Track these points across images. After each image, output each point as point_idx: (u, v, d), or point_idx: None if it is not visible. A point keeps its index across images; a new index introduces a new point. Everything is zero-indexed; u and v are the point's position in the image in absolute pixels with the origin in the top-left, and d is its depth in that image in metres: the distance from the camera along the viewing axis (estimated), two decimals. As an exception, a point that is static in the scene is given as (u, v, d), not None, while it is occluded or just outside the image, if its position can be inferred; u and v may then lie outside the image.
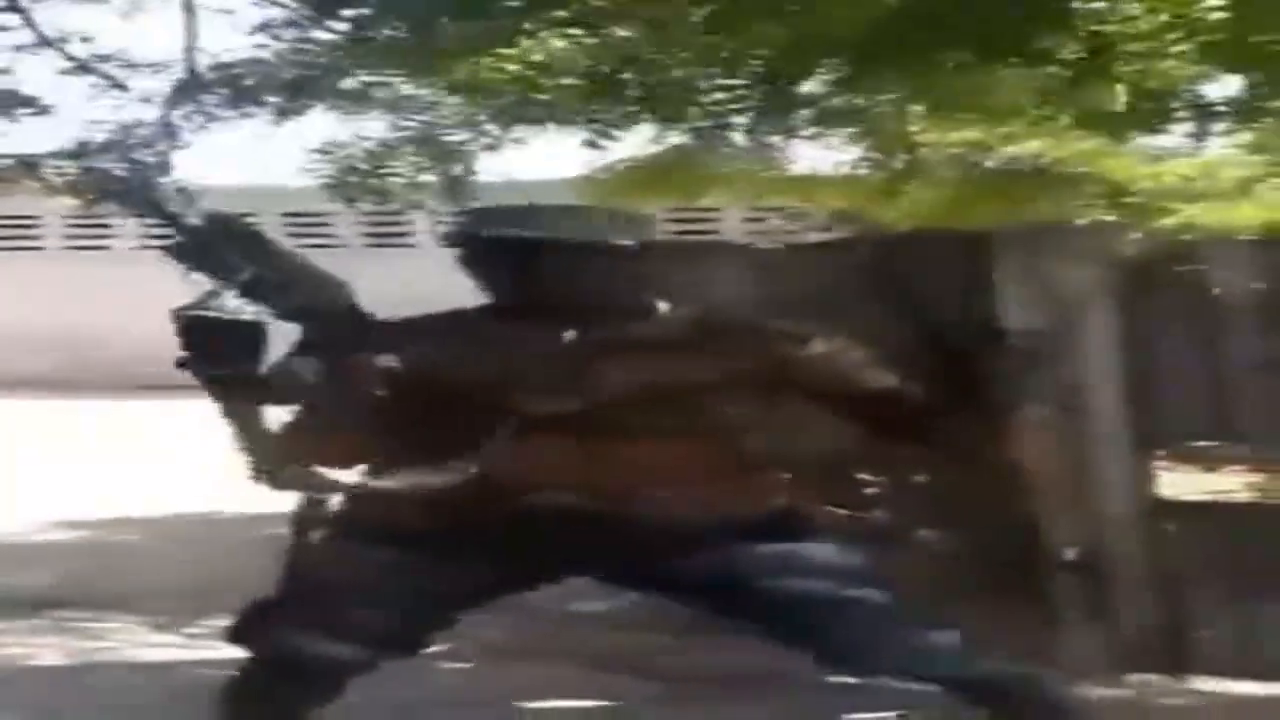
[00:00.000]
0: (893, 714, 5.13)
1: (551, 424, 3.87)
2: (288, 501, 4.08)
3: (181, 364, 3.89)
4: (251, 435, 3.89)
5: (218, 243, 3.95)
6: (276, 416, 3.91)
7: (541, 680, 5.73)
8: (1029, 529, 5.61)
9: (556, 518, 3.88)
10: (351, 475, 3.97)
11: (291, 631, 3.95)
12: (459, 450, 3.85)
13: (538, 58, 5.75)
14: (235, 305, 3.87)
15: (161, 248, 3.98)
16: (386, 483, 3.91)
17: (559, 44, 5.80)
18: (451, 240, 4.14)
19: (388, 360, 3.92)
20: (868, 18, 5.59)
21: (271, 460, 3.88)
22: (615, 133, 6.23)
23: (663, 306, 4.11)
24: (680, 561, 3.97)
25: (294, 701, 4.03)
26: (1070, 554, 5.63)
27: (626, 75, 6.05)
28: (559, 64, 5.78)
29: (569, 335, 3.97)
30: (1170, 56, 5.61)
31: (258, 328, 3.86)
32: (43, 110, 8.31)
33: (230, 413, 3.89)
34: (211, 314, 3.86)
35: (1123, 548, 5.68)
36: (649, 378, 3.95)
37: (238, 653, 4.05)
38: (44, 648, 6.53)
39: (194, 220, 3.99)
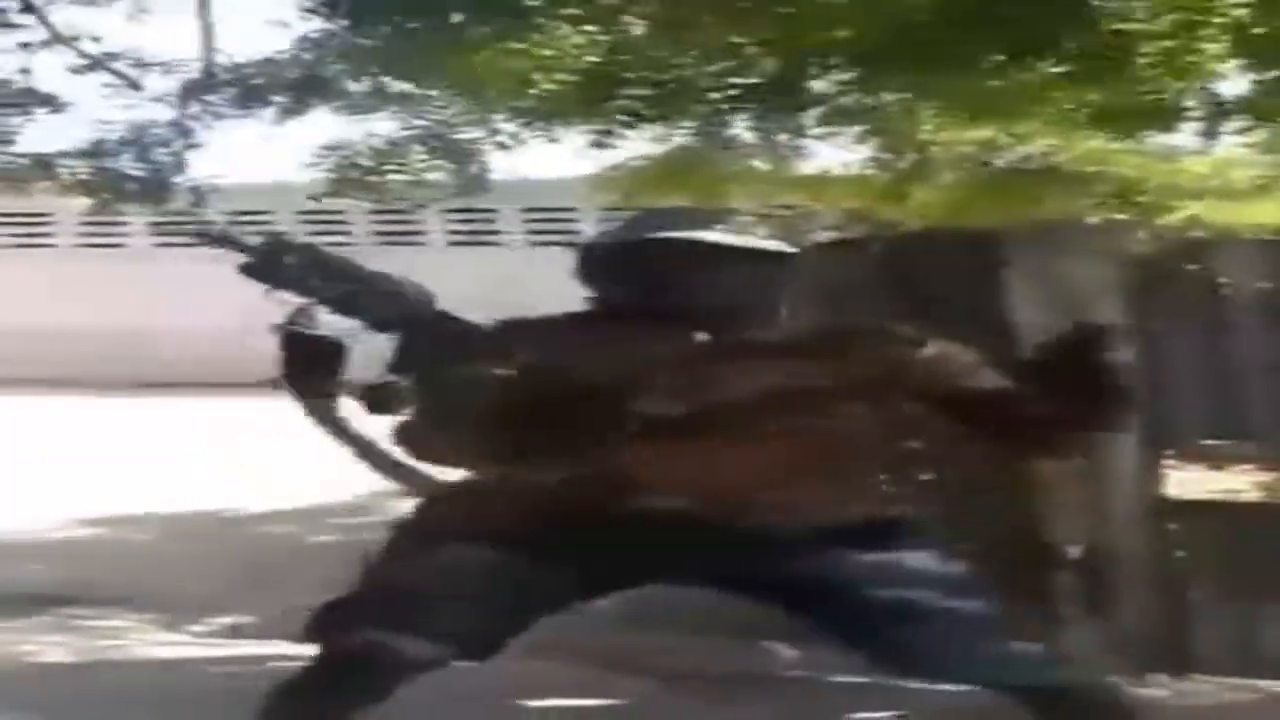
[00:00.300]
0: (891, 714, 5.11)
1: (664, 427, 3.84)
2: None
3: (282, 380, 3.90)
4: (359, 446, 3.92)
5: (278, 262, 3.97)
6: (382, 424, 3.92)
7: (541, 678, 5.70)
8: (1036, 526, 5.59)
9: (661, 521, 3.85)
10: (453, 474, 3.96)
11: (375, 628, 3.91)
12: (570, 451, 3.83)
13: (546, 53, 5.73)
14: (330, 320, 3.89)
15: (238, 268, 4.00)
16: (490, 483, 3.91)
17: (569, 41, 5.78)
18: (581, 245, 4.12)
19: (501, 362, 3.89)
20: (894, 18, 5.56)
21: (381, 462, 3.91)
22: (625, 131, 6.21)
23: (782, 310, 4.07)
24: (783, 568, 3.93)
25: (349, 701, 3.99)
26: (1077, 552, 5.61)
27: (634, 74, 6.02)
28: (567, 61, 5.75)
29: (685, 338, 3.95)
30: (1191, 53, 5.58)
31: (352, 341, 3.88)
32: (58, 109, 8.31)
33: (331, 425, 3.92)
34: (309, 330, 3.88)
35: (1129, 546, 5.66)
36: (765, 381, 3.91)
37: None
38: (48, 645, 6.54)
39: (252, 242, 4.00)
